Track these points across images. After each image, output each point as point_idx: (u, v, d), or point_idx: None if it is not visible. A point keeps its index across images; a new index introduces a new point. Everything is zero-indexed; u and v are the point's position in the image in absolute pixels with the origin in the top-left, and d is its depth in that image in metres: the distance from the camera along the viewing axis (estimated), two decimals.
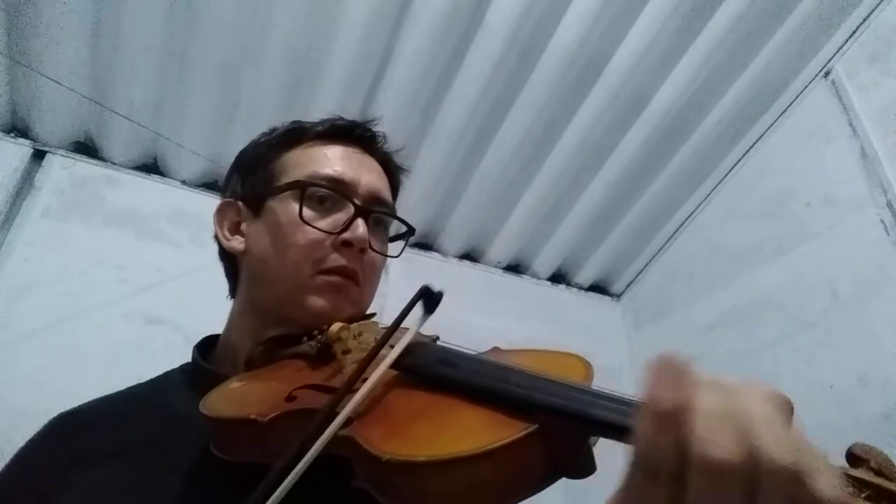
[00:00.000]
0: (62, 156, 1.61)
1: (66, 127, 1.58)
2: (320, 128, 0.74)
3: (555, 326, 1.88)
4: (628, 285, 2.07)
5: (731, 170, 1.73)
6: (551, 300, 2.00)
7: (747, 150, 1.69)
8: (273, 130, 0.77)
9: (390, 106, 1.56)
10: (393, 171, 0.79)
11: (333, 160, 0.70)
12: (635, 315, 2.02)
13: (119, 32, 1.40)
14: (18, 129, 1.59)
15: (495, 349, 0.57)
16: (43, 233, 1.50)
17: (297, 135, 0.74)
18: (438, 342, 0.58)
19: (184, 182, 1.70)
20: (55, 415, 0.66)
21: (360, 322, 0.62)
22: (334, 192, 0.68)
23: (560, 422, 0.37)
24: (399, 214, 0.76)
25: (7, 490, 0.59)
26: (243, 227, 0.71)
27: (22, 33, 1.40)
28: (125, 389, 0.69)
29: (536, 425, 0.38)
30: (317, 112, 1.54)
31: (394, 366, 0.51)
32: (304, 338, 0.61)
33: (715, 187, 1.78)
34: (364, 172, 0.71)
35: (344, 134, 0.74)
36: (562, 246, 1.95)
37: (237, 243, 0.71)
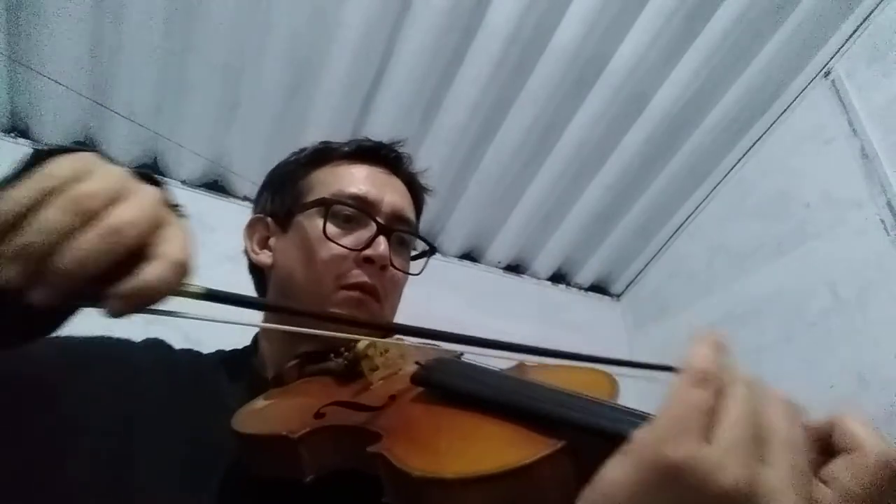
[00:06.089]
0: None
1: (66, 127, 1.58)
2: (347, 148, 0.76)
3: (555, 326, 1.88)
4: (628, 285, 2.07)
5: (731, 170, 1.73)
6: (551, 300, 2.01)
7: (747, 150, 1.69)
8: (302, 150, 0.80)
9: (390, 106, 1.56)
10: (417, 192, 0.81)
11: (358, 179, 0.73)
12: (635, 315, 2.02)
13: (119, 32, 1.40)
14: (18, 129, 1.59)
15: (520, 365, 0.57)
16: None
17: (324, 154, 0.77)
18: (462, 358, 0.58)
19: (184, 182, 1.70)
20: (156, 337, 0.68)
21: (386, 339, 0.62)
22: (358, 210, 0.70)
23: (587, 438, 0.37)
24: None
25: (66, 353, 0.57)
26: (271, 241, 0.74)
27: (22, 33, 1.40)
28: (180, 351, 0.69)
29: (564, 442, 0.38)
30: (316, 112, 1.55)
31: (420, 381, 0.51)
32: (332, 354, 0.62)
33: (715, 187, 1.78)
34: (388, 191, 0.73)
35: (369, 154, 0.76)
36: (562, 246, 1.95)
37: (265, 257, 0.73)
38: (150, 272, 0.36)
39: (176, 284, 0.37)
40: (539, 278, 2.03)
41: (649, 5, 1.42)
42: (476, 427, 0.43)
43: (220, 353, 0.72)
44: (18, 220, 0.34)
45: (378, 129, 1.48)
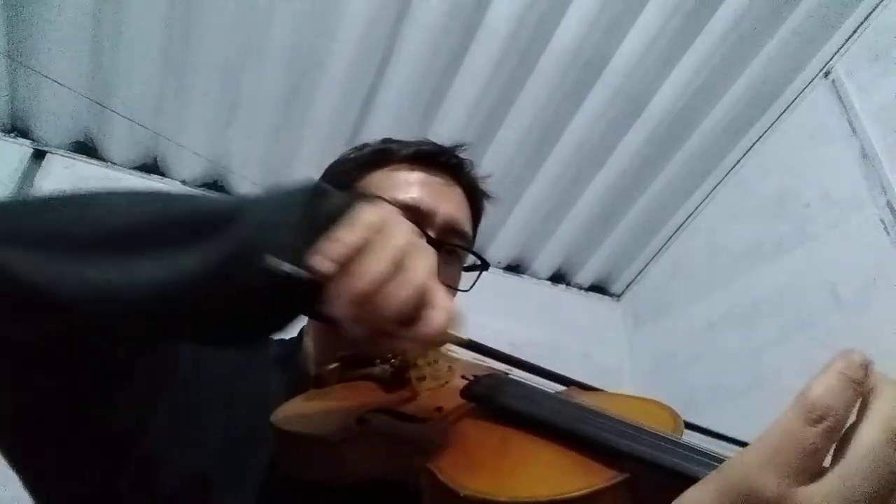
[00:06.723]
0: (62, 156, 1.61)
1: (66, 127, 1.58)
2: (406, 151, 0.74)
3: (555, 326, 1.88)
4: (628, 285, 2.07)
5: (731, 170, 1.73)
6: (551, 300, 2.00)
7: (747, 151, 1.69)
8: (363, 147, 0.77)
9: (390, 106, 1.56)
10: (477, 200, 0.79)
11: (413, 186, 0.71)
12: (635, 315, 2.02)
13: (119, 32, 1.40)
14: (18, 129, 1.59)
15: (572, 389, 0.55)
16: None
17: (383, 156, 0.74)
18: (510, 376, 0.57)
19: (184, 182, 1.70)
20: None
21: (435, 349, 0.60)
22: (409, 221, 0.68)
23: (652, 474, 0.35)
24: None
25: None
26: None
27: (22, 33, 1.40)
28: None
29: (628, 475, 0.36)
30: (316, 112, 1.55)
31: (471, 397, 0.50)
32: (377, 360, 0.61)
33: (715, 187, 1.78)
34: (443, 202, 0.71)
35: (429, 160, 0.74)
36: (562, 246, 1.95)
37: None
38: (437, 320, 0.41)
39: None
40: (539, 278, 2.03)
41: (649, 5, 1.42)
42: (532, 450, 0.41)
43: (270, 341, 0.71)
44: (348, 263, 0.39)
45: (378, 130, 1.48)
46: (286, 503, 0.53)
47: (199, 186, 1.72)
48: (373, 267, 0.39)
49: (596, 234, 1.93)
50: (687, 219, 1.87)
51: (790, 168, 1.54)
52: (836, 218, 1.37)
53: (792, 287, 1.44)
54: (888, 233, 1.25)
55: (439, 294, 0.43)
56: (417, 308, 0.41)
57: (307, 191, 0.43)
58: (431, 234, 0.68)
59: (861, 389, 0.29)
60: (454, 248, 0.72)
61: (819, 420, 0.28)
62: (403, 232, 0.43)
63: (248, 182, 1.70)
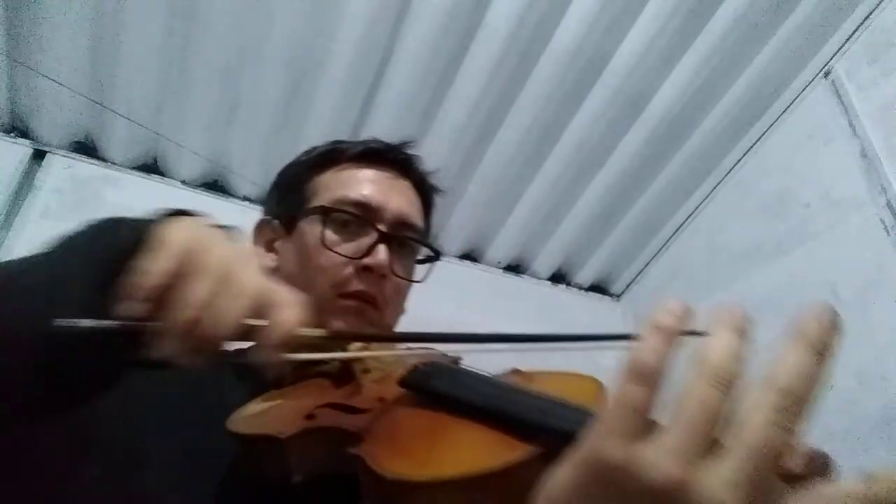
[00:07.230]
0: (62, 156, 1.61)
1: (66, 127, 1.58)
2: (354, 150, 0.75)
3: (555, 326, 1.88)
4: (628, 285, 2.07)
5: (731, 170, 1.73)
6: (551, 300, 2.00)
7: (747, 151, 1.69)
8: (313, 150, 0.79)
9: (390, 106, 1.56)
10: (426, 194, 0.80)
11: (363, 183, 0.72)
12: (635, 315, 2.02)
13: (119, 32, 1.40)
14: (18, 129, 1.59)
15: (515, 371, 0.57)
16: (43, 233, 1.49)
17: (332, 156, 0.75)
18: (461, 363, 0.59)
19: (184, 182, 1.70)
20: None
21: (381, 342, 0.63)
22: (358, 217, 0.69)
23: (564, 445, 0.36)
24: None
25: None
26: (276, 245, 0.74)
27: (22, 33, 1.40)
28: None
29: (541, 448, 0.38)
30: (316, 112, 1.56)
31: (406, 385, 0.52)
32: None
33: (715, 187, 1.78)
34: (393, 196, 0.72)
35: (377, 157, 0.75)
36: (562, 246, 1.95)
37: (269, 261, 0.73)
38: (285, 316, 0.38)
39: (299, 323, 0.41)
40: (539, 278, 2.03)
41: (649, 5, 1.42)
42: (455, 431, 0.43)
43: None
44: (162, 293, 0.36)
45: (378, 129, 1.48)
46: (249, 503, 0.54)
47: (199, 186, 1.72)
48: (195, 289, 0.36)
49: (596, 234, 1.93)
50: (687, 219, 1.87)
51: (790, 168, 1.54)
52: (836, 218, 1.37)
53: (792, 287, 1.44)
54: (888, 233, 1.25)
55: (279, 291, 0.40)
56: (259, 315, 0.38)
57: (90, 232, 0.40)
58: (382, 228, 0.69)
59: (672, 337, 0.31)
60: (407, 241, 0.73)
61: (638, 376, 0.29)
62: (219, 241, 0.40)
63: (248, 182, 1.70)
